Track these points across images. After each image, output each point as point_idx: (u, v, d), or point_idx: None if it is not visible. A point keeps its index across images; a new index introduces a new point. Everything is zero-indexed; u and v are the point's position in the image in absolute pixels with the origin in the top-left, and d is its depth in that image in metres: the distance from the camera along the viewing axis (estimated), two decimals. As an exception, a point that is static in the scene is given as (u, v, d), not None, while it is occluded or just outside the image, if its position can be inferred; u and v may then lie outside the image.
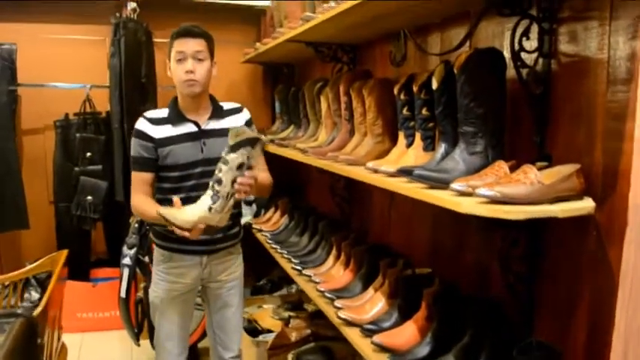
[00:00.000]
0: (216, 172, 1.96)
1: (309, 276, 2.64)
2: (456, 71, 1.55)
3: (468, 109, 1.54)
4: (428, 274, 2.13)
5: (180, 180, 2.21)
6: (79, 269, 3.92)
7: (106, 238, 4.09)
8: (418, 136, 1.82)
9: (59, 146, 3.84)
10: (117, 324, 3.46)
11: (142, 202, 2.20)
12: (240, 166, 1.94)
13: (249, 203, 4.14)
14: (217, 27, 4.37)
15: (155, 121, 2.22)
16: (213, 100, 2.32)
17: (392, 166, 1.79)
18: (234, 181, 1.95)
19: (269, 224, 3.67)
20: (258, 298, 3.58)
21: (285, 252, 3.07)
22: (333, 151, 2.33)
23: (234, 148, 1.93)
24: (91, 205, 3.74)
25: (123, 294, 3.20)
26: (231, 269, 2.40)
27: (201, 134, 2.23)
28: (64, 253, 2.72)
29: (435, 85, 1.67)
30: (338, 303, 2.21)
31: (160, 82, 4.04)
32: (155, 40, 4.00)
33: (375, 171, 1.86)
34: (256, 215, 3.99)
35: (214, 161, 2.10)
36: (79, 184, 3.75)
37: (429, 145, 1.81)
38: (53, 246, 3.90)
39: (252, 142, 1.94)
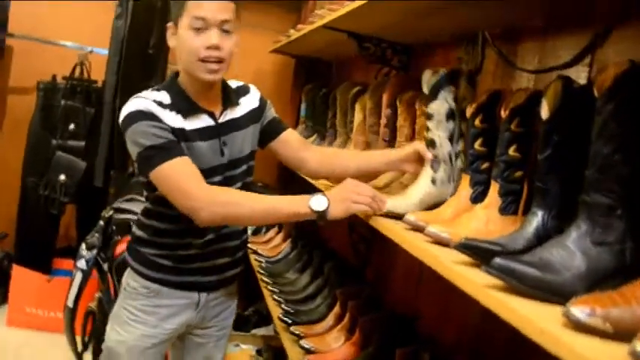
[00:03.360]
0: (425, 133, 1.41)
1: (298, 336, 1.99)
2: (597, 95, 0.88)
3: (608, 163, 0.86)
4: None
5: None
6: (40, 257, 3.33)
7: (78, 224, 3.47)
8: (495, 188, 1.16)
9: (39, 111, 3.23)
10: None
11: (243, 196, 1.49)
12: (450, 114, 1.37)
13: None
14: (249, 7, 3.88)
15: (161, 104, 1.52)
16: (224, 80, 1.67)
17: (446, 228, 1.13)
18: (451, 138, 1.38)
19: (267, 247, 3.03)
20: (237, 335, 2.93)
21: (277, 291, 2.41)
22: (362, 180, 1.67)
23: (432, 94, 1.38)
24: (63, 186, 3.12)
25: (70, 303, 2.60)
26: (225, 314, 1.78)
27: (220, 130, 1.59)
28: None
29: (545, 112, 1.00)
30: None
31: (172, 59, 3.44)
32: (175, 8, 3.41)
33: (417, 229, 1.21)
34: (255, 232, 3.34)
35: (239, 164, 1.63)
36: (53, 160, 3.14)
37: (511, 206, 1.14)
38: (12, 224, 3.32)
39: (452, 77, 1.40)
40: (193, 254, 1.61)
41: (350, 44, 2.29)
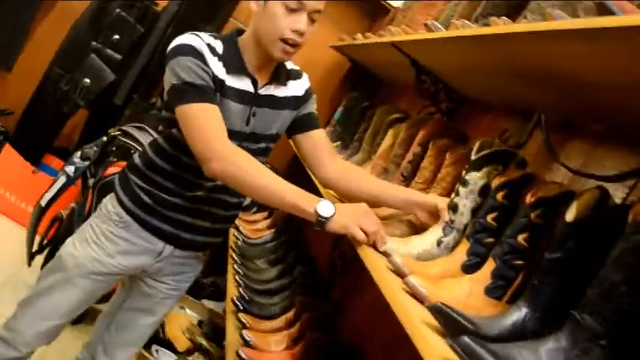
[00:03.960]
0: (452, 195, 1.34)
1: (244, 325, 1.95)
2: (630, 221, 0.83)
3: (613, 291, 0.82)
4: None
5: None
6: (34, 147, 3.30)
7: (82, 132, 3.44)
8: (491, 266, 1.11)
9: (92, 10, 3.20)
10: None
11: (259, 168, 1.41)
12: (483, 190, 1.29)
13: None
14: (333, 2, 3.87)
15: (213, 51, 1.49)
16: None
17: (427, 285, 1.09)
18: (475, 211, 1.29)
19: (250, 227, 2.98)
20: (186, 299, 2.88)
21: (241, 273, 2.38)
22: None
23: (478, 165, 1.30)
24: (84, 88, 3.10)
25: (43, 202, 2.57)
26: (184, 277, 1.73)
27: (255, 99, 1.56)
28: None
29: (571, 215, 0.95)
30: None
31: (236, 15, 3.42)
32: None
33: (399, 273, 1.17)
34: (245, 208, 3.30)
35: (260, 140, 1.60)
36: (86, 60, 3.11)
37: (498, 290, 1.09)
38: (21, 106, 3.30)
39: (504, 157, 1.31)
40: (177, 204, 1.57)
41: (408, 71, 2.25)
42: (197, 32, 1.51)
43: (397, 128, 1.98)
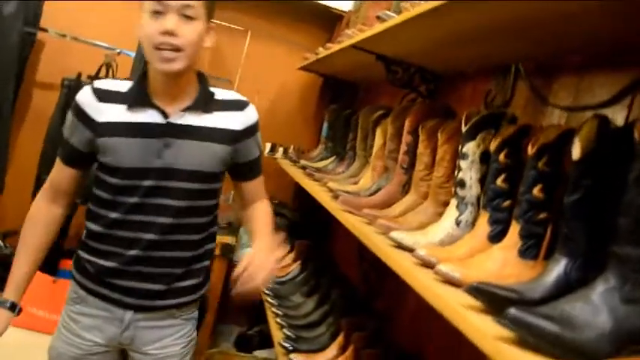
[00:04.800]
0: (455, 172, 1.33)
1: (298, 364, 1.90)
2: (638, 139, 0.80)
3: (645, 214, 0.78)
4: None
5: (120, 192, 1.43)
6: (47, 258, 3.26)
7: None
8: (516, 228, 1.07)
9: (60, 108, 3.19)
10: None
11: (24, 230, 1.53)
12: (483, 157, 1.28)
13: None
14: (283, 23, 3.85)
15: (105, 96, 1.43)
16: (202, 83, 1.50)
17: (458, 268, 1.05)
18: (482, 180, 1.27)
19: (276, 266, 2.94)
20: (238, 355, 2.84)
21: (281, 313, 2.34)
22: (374, 207, 1.60)
23: (470, 134, 1.29)
24: (77, 186, 3.08)
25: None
26: (168, 341, 1.54)
27: (167, 130, 1.43)
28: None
29: (577, 153, 0.91)
30: None
31: (208, 70, 3.41)
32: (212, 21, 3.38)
33: (427, 265, 1.13)
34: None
35: (176, 175, 1.44)
36: (69, 159, 3.10)
37: (532, 250, 1.05)
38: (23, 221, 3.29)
39: (494, 120, 1.30)
40: (114, 268, 1.46)
41: (378, 67, 2.23)
42: (96, 81, 1.48)
43: (384, 125, 1.95)
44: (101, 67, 3.23)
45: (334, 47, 2.49)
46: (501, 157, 1.17)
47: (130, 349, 1.53)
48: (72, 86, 3.21)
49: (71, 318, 1.52)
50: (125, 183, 1.42)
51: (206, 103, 1.47)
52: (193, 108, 1.45)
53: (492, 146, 1.18)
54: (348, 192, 1.81)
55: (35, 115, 3.48)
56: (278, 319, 2.28)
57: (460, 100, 2.01)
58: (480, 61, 1.81)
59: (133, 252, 1.45)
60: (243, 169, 1.59)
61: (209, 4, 1.41)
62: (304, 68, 3.45)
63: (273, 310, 2.38)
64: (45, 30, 3.33)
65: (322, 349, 1.99)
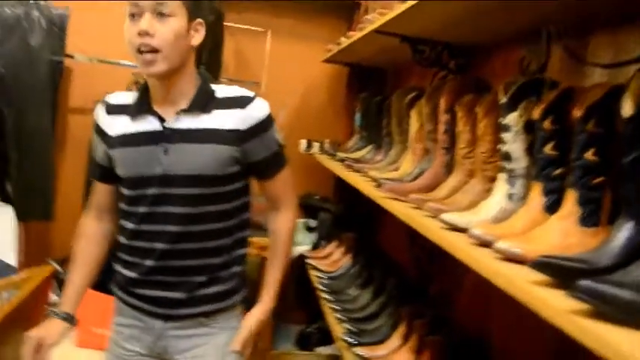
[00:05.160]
0: (500, 146, 1.29)
1: (362, 357, 1.89)
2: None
3: None
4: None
5: (132, 202, 1.44)
6: (104, 278, 3.34)
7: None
8: (572, 196, 1.03)
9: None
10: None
11: (77, 257, 1.56)
12: (527, 127, 1.23)
13: (310, 229, 3.45)
14: (301, 18, 3.82)
15: (113, 109, 1.47)
16: (202, 82, 1.44)
17: (518, 243, 1.02)
18: (529, 150, 1.23)
19: (327, 262, 2.94)
20: (299, 354, 2.85)
21: (339, 308, 2.33)
22: (419, 191, 1.57)
23: (511, 105, 1.24)
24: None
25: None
26: (199, 350, 1.48)
27: (164, 135, 1.41)
28: (48, 268, 2.11)
29: (629, 109, 0.87)
30: None
31: (225, 73, 3.43)
32: (226, 23, 3.39)
33: (484, 244, 1.10)
34: (315, 246, 3.27)
35: (176, 181, 1.40)
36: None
37: (592, 217, 1.01)
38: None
39: (533, 87, 1.25)
40: (136, 278, 1.47)
41: (403, 49, 2.19)
42: (108, 96, 1.52)
43: (418, 106, 1.92)
44: (130, 85, 3.26)
45: (356, 34, 2.47)
46: (546, 124, 1.13)
47: (166, 358, 1.53)
48: (105, 109, 3.26)
49: (115, 330, 1.55)
50: (134, 193, 1.43)
51: (204, 103, 1.41)
52: (189, 110, 1.40)
53: (536, 114, 1.14)
54: (391, 179, 1.79)
55: (74, 141, 3.54)
56: (337, 315, 2.28)
57: (492, 71, 1.96)
58: (509, 28, 1.76)
59: (149, 262, 1.44)
60: (258, 167, 1.50)
61: (186, 1, 1.35)
62: (328, 60, 3.42)
63: (330, 305, 2.37)
64: (71, 56, 3.39)
65: (384, 340, 1.98)
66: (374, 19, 2.11)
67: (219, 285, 1.48)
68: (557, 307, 0.79)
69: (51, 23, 3.22)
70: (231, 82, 3.34)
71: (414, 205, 1.50)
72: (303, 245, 3.28)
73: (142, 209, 1.42)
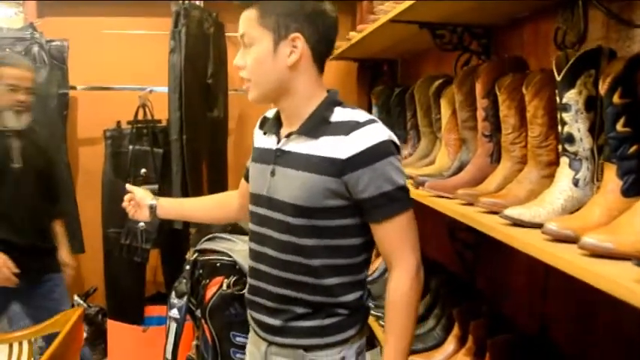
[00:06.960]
0: (559, 128, 1.16)
1: (419, 367, 1.78)
2: None
3: None
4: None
5: (251, 218, 1.47)
6: (131, 308, 3.26)
7: (164, 269, 3.39)
8: (660, 176, 0.92)
9: (109, 160, 3.18)
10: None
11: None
12: (588, 104, 1.11)
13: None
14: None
15: (262, 123, 1.51)
16: (323, 105, 1.34)
17: (606, 236, 0.90)
18: (592, 130, 1.11)
19: (361, 266, 2.82)
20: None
21: (382, 315, 2.20)
22: (466, 185, 1.46)
23: (568, 82, 1.11)
24: (143, 232, 3.04)
25: (169, 354, 2.47)
26: None
27: (274, 156, 1.38)
28: (78, 311, 2.04)
29: None
30: None
31: (232, 84, 3.33)
32: (227, 34, 3.29)
33: (563, 240, 0.98)
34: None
35: (277, 206, 1.34)
36: (129, 208, 3.06)
37: (687, 196, 0.90)
38: (101, 277, 3.28)
39: (590, 59, 1.12)
40: (246, 297, 1.50)
41: (419, 37, 2.09)
42: (271, 109, 1.52)
43: (448, 93, 1.80)
44: (138, 109, 3.18)
45: (369, 27, 2.35)
46: (616, 98, 1.01)
47: None
48: (115, 136, 3.19)
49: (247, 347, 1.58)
50: (251, 209, 1.46)
51: (312, 127, 1.32)
52: (297, 133, 1.34)
53: (602, 88, 1.02)
54: (429, 175, 1.68)
55: (87, 172, 3.48)
56: (381, 322, 2.16)
57: (522, 48, 1.84)
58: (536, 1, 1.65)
59: (252, 282, 1.45)
60: (364, 207, 1.30)
61: (267, 22, 1.29)
62: (337, 57, 3.31)
63: (374, 313, 2.25)
64: (74, 88, 3.32)
65: (438, 344, 1.86)
66: (388, 9, 1.99)
67: (318, 320, 1.36)
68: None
69: (51, 57, 3.16)
70: (238, 92, 3.26)
71: (464, 201, 1.39)
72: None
73: (254, 227, 1.44)
